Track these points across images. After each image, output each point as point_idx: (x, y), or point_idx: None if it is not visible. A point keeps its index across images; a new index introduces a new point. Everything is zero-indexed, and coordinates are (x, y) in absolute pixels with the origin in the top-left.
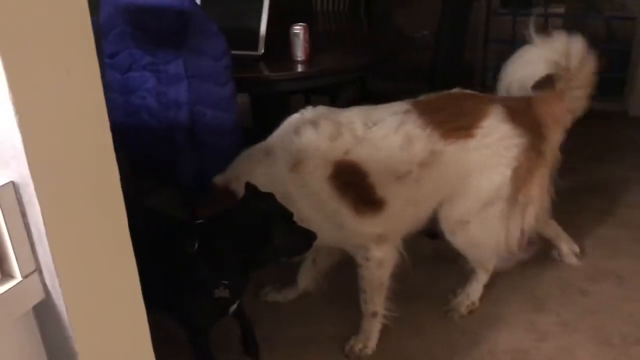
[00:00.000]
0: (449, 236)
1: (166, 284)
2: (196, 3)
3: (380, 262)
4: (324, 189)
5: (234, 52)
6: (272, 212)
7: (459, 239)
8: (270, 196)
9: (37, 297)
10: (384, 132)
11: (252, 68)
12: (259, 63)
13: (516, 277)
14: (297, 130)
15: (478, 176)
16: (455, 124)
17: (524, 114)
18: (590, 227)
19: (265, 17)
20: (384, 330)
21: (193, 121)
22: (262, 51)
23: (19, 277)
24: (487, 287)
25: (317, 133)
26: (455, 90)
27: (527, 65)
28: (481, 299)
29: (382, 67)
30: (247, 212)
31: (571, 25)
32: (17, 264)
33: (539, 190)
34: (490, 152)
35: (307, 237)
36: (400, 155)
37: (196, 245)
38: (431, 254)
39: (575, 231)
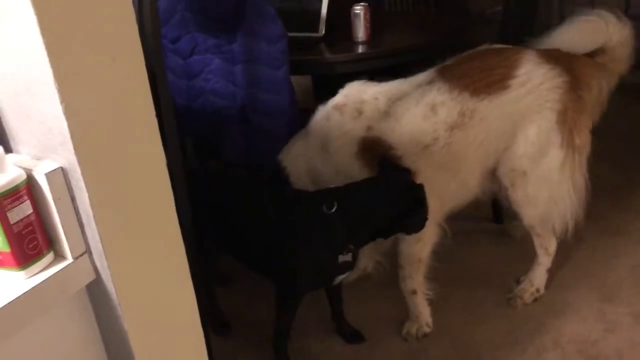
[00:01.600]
0: (509, 191)
1: (282, 240)
2: None
3: (418, 237)
4: (353, 166)
5: (294, 34)
6: (412, 186)
7: (518, 193)
8: (407, 171)
9: (88, 277)
10: (406, 106)
11: (313, 50)
12: (320, 45)
13: (585, 263)
14: (327, 114)
15: (523, 126)
16: (486, 81)
17: (560, 58)
18: None
19: None
20: (444, 317)
21: (247, 103)
22: (323, 32)
23: (70, 259)
24: (554, 273)
25: (342, 114)
26: (483, 46)
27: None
28: (547, 285)
29: (450, 46)
30: (393, 184)
31: None
32: (68, 246)
33: (588, 136)
34: (532, 98)
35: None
36: (424, 124)
37: (335, 207)
38: (494, 238)
39: None
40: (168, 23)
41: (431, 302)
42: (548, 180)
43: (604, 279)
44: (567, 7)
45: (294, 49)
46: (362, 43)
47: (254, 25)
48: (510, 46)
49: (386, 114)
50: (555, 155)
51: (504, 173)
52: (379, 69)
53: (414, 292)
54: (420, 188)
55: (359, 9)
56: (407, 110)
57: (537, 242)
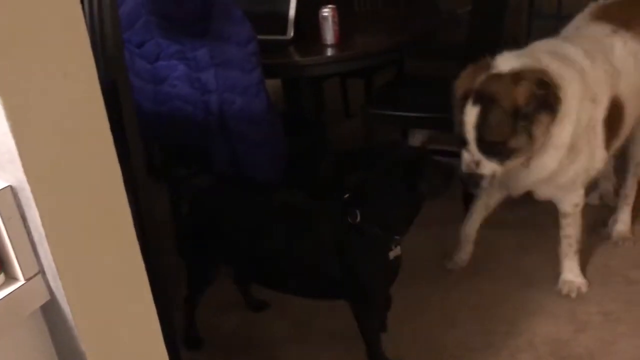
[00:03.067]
0: None
1: (331, 264)
2: None
3: (582, 207)
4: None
5: (262, 36)
6: (412, 156)
7: None
8: (396, 143)
9: (42, 298)
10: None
11: (282, 53)
12: (289, 47)
13: (556, 264)
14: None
15: None
16: None
17: None
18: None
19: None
20: (419, 321)
21: (223, 109)
22: (292, 35)
23: (22, 280)
24: (526, 273)
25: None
26: None
27: None
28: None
29: (420, 47)
30: (397, 163)
31: None
32: (20, 266)
33: None
34: None
35: (449, 171)
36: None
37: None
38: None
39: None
40: (132, 27)
41: (405, 307)
42: None
43: None
44: (534, 17)
45: (262, 52)
46: (332, 46)
47: (222, 29)
48: None
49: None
50: None
51: None
52: (350, 72)
53: (578, 252)
54: (424, 155)
55: (327, 11)
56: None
57: None
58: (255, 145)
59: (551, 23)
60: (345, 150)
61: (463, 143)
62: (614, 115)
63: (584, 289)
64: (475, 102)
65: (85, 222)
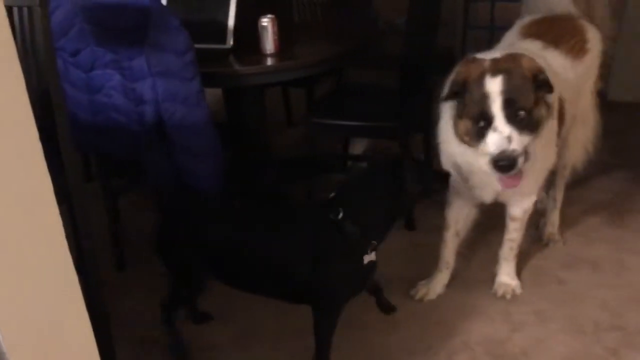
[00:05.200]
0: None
1: (305, 262)
2: None
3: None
4: None
5: (201, 45)
6: (395, 161)
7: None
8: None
9: None
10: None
11: (222, 62)
12: (229, 57)
13: (490, 265)
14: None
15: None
16: (575, 45)
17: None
18: (566, 214)
19: (233, 8)
20: (359, 327)
21: (162, 120)
22: (231, 44)
23: None
24: (462, 276)
25: None
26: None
27: None
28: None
29: (359, 57)
30: (383, 169)
31: None
32: None
33: None
34: (595, 62)
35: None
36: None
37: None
38: (404, 245)
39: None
40: (66, 35)
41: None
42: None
43: None
44: (468, 29)
45: (201, 61)
46: (271, 55)
47: (159, 38)
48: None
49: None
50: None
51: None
52: (291, 81)
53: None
54: (406, 160)
55: (266, 21)
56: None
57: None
58: (197, 156)
59: (485, 34)
60: (287, 159)
61: (487, 124)
62: (560, 116)
63: (518, 290)
64: (494, 74)
65: (13, 234)
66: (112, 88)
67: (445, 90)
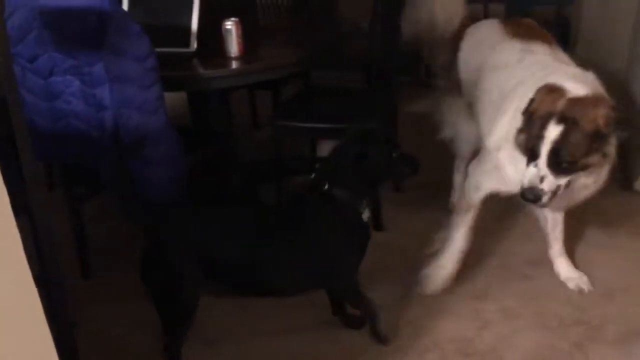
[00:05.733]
0: None
1: (320, 245)
2: (115, 2)
3: None
4: None
5: (164, 49)
6: (362, 131)
7: None
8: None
9: None
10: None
11: (185, 66)
12: (192, 60)
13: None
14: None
15: None
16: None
17: None
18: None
19: (196, 12)
20: (329, 324)
21: (119, 126)
22: (195, 48)
23: None
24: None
25: None
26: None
27: None
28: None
29: (326, 58)
30: (346, 139)
31: (514, 13)
32: None
33: None
34: None
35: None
36: None
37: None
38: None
39: (514, 215)
40: (23, 41)
41: (316, 313)
42: None
43: (475, 279)
44: None
45: (165, 65)
46: (236, 58)
47: (118, 44)
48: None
49: None
50: None
51: None
52: (257, 84)
53: None
54: (371, 130)
55: (229, 24)
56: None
57: None
58: (153, 164)
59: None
60: (254, 162)
61: (532, 158)
62: None
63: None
64: (559, 122)
65: None
66: (72, 94)
67: (526, 107)
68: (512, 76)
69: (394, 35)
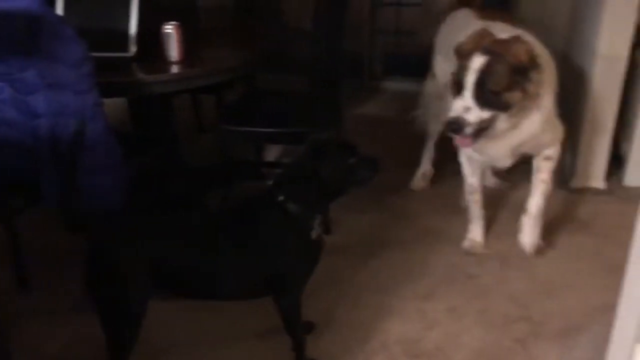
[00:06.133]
0: None
1: (267, 254)
2: (47, 6)
3: None
4: None
5: (102, 54)
6: (317, 143)
7: None
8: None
9: None
10: None
11: (124, 71)
12: (132, 65)
13: (404, 265)
14: None
15: None
16: None
17: None
18: None
19: (134, 15)
20: (278, 333)
21: (56, 135)
22: (134, 52)
23: None
24: (378, 278)
25: None
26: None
27: None
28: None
29: (270, 62)
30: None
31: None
32: None
33: None
34: None
35: (370, 167)
36: None
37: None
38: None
39: (459, 215)
40: None
41: (264, 320)
42: None
43: (421, 279)
44: (376, 33)
45: (102, 70)
46: (177, 63)
47: (52, 48)
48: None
49: None
50: None
51: None
52: (200, 87)
53: None
54: (328, 142)
55: (169, 28)
56: None
57: None
58: (92, 172)
59: (392, 38)
60: (199, 167)
61: (458, 90)
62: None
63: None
64: (483, 54)
65: None
66: (3, 102)
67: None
68: None
69: (337, 38)
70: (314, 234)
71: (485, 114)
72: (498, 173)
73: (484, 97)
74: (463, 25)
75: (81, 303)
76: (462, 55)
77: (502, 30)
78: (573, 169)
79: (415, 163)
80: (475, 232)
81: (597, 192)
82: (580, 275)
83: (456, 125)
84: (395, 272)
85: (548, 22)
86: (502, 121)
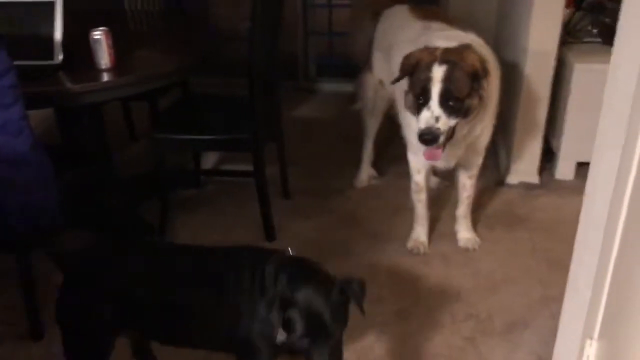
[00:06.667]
0: None
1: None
2: None
3: None
4: None
5: (25, 62)
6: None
7: None
8: None
9: None
10: None
11: (50, 80)
12: (58, 73)
13: (353, 270)
14: None
15: None
16: None
17: None
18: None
19: (59, 20)
20: None
21: None
22: (60, 60)
23: None
24: None
25: None
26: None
27: None
28: None
29: (203, 66)
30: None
31: None
32: None
33: None
34: None
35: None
36: None
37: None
38: None
39: (402, 217)
40: None
41: None
42: None
43: (369, 283)
44: (309, 34)
45: (27, 80)
46: (108, 70)
47: None
48: None
49: None
50: None
51: None
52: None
53: None
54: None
55: (98, 34)
56: None
57: None
58: (21, 190)
59: (324, 39)
60: (133, 177)
61: (424, 103)
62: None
63: (478, 242)
64: (441, 63)
65: None
66: None
67: (402, 69)
68: (408, 50)
69: (274, 39)
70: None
71: (452, 122)
72: (437, 173)
73: (449, 105)
74: (400, 23)
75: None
76: (417, 67)
77: (441, 29)
78: (508, 165)
79: (355, 164)
80: (420, 232)
81: (531, 186)
82: (521, 270)
83: (430, 135)
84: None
85: (477, 18)
86: (462, 127)
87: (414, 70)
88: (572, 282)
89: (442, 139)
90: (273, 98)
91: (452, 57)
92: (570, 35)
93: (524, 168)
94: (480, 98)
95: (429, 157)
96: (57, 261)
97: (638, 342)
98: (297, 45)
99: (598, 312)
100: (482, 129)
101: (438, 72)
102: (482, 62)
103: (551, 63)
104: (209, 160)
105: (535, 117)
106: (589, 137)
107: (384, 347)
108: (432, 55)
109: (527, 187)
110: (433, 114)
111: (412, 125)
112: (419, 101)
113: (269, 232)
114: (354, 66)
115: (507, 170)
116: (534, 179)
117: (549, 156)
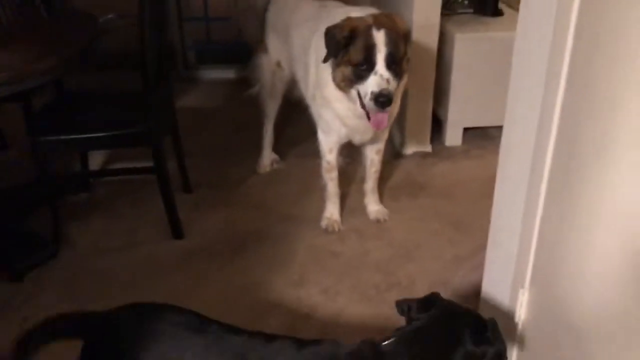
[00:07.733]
0: None
1: None
2: None
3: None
4: None
5: None
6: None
7: None
8: None
9: None
10: None
11: None
12: None
13: (272, 256)
14: None
15: None
16: None
17: None
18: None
19: None
20: None
21: None
22: None
23: None
24: (247, 274)
25: None
26: None
27: None
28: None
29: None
30: None
31: None
32: None
33: None
34: None
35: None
36: None
37: None
38: (181, 256)
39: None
40: None
41: None
42: None
43: (290, 267)
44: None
45: None
46: None
47: None
48: None
49: None
50: None
51: None
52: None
53: None
54: None
55: None
56: None
57: None
58: None
59: (201, 25)
60: (14, 187)
61: (369, 68)
62: None
63: (386, 213)
64: (378, 29)
65: None
66: None
67: (331, 44)
68: (310, 29)
69: (161, 28)
70: None
71: (395, 84)
72: (341, 151)
73: (394, 68)
74: (294, 3)
75: None
76: (354, 36)
77: (339, 6)
78: (403, 137)
79: (252, 150)
80: (333, 210)
81: (425, 155)
82: (430, 234)
83: (385, 97)
84: (263, 265)
85: None
86: (397, 92)
87: (350, 41)
88: (494, 237)
89: (394, 99)
90: (165, 89)
91: (384, 22)
92: (445, 8)
93: (417, 138)
94: (408, 61)
95: (376, 124)
96: None
97: (569, 287)
98: (172, 33)
99: (528, 262)
100: (398, 95)
101: (380, 37)
102: (406, 23)
103: (436, 35)
104: (95, 161)
105: (423, 88)
106: (473, 103)
107: (316, 327)
108: (365, 22)
109: (422, 155)
110: (383, 77)
111: (335, 102)
112: (362, 68)
113: (176, 230)
114: (235, 51)
115: (402, 142)
116: (427, 147)
117: (437, 125)
